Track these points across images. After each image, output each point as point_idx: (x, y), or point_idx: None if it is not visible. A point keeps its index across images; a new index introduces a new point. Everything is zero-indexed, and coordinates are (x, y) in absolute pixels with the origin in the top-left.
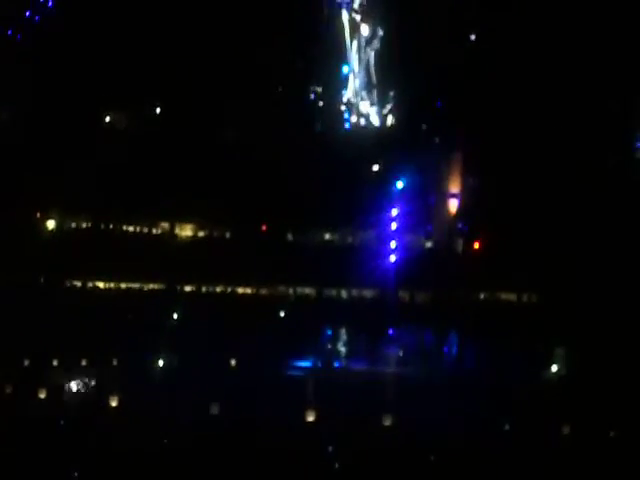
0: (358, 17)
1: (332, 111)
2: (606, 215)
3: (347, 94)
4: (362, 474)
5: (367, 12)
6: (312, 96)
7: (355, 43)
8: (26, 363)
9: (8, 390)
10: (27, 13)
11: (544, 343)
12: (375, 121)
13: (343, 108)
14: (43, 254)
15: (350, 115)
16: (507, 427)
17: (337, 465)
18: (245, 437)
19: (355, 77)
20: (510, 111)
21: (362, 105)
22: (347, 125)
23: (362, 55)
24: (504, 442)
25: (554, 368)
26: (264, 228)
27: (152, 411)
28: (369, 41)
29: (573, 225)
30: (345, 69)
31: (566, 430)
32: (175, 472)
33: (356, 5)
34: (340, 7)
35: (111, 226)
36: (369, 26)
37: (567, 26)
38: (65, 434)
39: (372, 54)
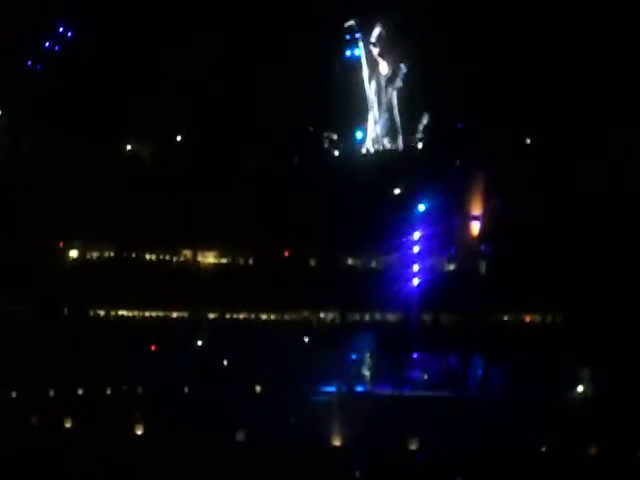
0: (376, 52)
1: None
2: (633, 238)
3: (367, 142)
4: None
5: (385, 47)
6: (330, 145)
7: (374, 85)
8: (51, 393)
9: (33, 421)
10: (47, 44)
11: (569, 364)
12: (397, 145)
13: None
14: (66, 283)
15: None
16: (532, 447)
17: None
18: (271, 463)
19: (376, 123)
20: (531, 133)
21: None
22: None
23: (382, 95)
24: (530, 463)
25: (579, 388)
26: (287, 254)
27: (178, 439)
28: (390, 79)
29: (597, 246)
30: (359, 134)
31: (593, 450)
32: None
33: (373, 39)
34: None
35: (134, 255)
36: (388, 62)
37: (588, 47)
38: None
39: (392, 90)
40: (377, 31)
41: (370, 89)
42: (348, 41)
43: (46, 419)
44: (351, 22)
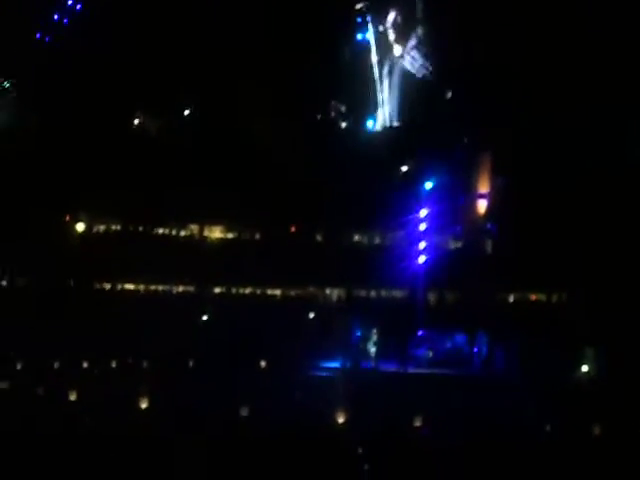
0: (391, 37)
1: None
2: (638, 217)
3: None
4: (392, 475)
5: (399, 31)
6: (340, 122)
7: (384, 67)
8: (56, 365)
9: (40, 392)
10: (55, 16)
11: (573, 343)
12: (405, 122)
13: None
14: (73, 257)
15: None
16: (536, 425)
17: (366, 467)
18: (275, 438)
19: (384, 104)
20: (538, 111)
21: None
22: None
23: (392, 78)
24: (533, 442)
25: (584, 368)
26: (293, 229)
27: (182, 413)
28: (401, 61)
29: (603, 225)
30: (370, 124)
31: (597, 429)
32: (206, 473)
33: (388, 24)
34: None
35: (140, 228)
36: (402, 46)
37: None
38: (96, 435)
39: (400, 69)
40: (392, 16)
41: (378, 71)
42: (359, 23)
43: (51, 391)
44: (361, 4)
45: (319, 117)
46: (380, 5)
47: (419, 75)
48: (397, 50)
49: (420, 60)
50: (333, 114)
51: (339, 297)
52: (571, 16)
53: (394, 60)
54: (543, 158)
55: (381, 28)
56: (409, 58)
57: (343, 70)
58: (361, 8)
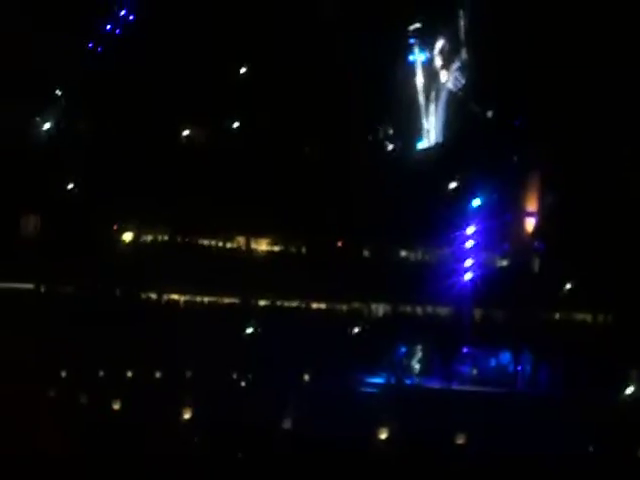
0: (438, 64)
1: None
2: None
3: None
4: None
5: (448, 59)
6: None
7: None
8: (101, 374)
9: (83, 400)
10: (108, 26)
11: (619, 365)
12: (454, 138)
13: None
14: (120, 266)
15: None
16: (580, 447)
17: None
18: (317, 452)
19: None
20: (588, 130)
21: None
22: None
23: (439, 97)
24: (576, 462)
25: (629, 390)
26: (340, 244)
27: (224, 424)
28: (447, 79)
29: None
30: (419, 144)
31: None
32: None
33: (436, 50)
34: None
35: (187, 239)
36: (449, 72)
37: None
38: (140, 444)
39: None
40: (440, 43)
41: (425, 92)
42: (411, 44)
43: (95, 400)
44: (417, 25)
45: (369, 137)
46: (429, 29)
47: (465, 95)
48: (443, 73)
49: (464, 80)
50: (382, 135)
51: (385, 313)
52: (620, 30)
53: (440, 82)
54: (593, 176)
55: (428, 52)
56: (454, 79)
57: (393, 92)
58: (413, 30)
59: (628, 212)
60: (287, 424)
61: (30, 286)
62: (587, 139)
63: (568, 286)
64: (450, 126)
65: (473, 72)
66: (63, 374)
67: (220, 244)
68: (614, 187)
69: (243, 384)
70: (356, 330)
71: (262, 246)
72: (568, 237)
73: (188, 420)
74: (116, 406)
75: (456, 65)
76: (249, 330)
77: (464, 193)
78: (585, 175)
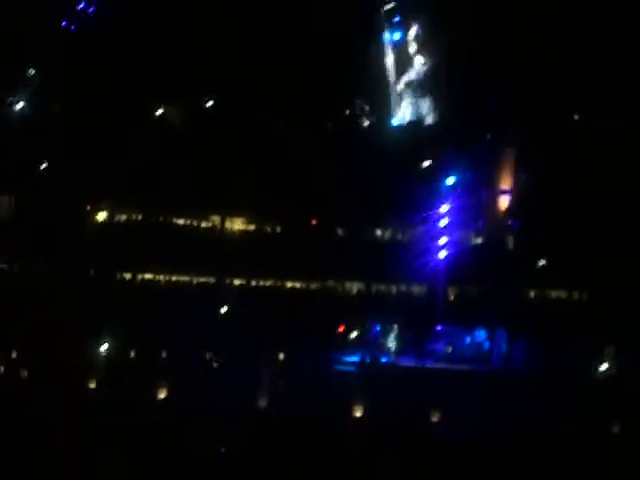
0: (412, 50)
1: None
2: None
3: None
4: (408, 469)
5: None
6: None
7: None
8: (76, 354)
9: (58, 380)
10: (81, 5)
11: (594, 341)
12: (427, 117)
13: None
14: (94, 246)
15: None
16: (555, 423)
17: (383, 460)
18: (292, 431)
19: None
20: (562, 107)
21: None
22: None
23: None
24: (551, 439)
25: (604, 366)
26: (314, 223)
27: (199, 404)
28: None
29: (627, 224)
30: (393, 120)
31: (615, 428)
32: (221, 465)
33: (410, 37)
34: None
35: (161, 219)
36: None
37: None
38: (113, 424)
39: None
40: (416, 21)
41: (397, 72)
42: (387, 21)
43: (70, 380)
44: (392, 4)
45: (344, 113)
46: (404, 7)
47: (440, 72)
48: (418, 51)
49: (439, 58)
50: (357, 111)
51: (359, 291)
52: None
53: (415, 60)
54: (567, 154)
55: (403, 30)
56: (428, 57)
57: (368, 68)
58: (390, 9)
59: (602, 189)
60: (262, 403)
61: (4, 266)
62: (561, 117)
63: (542, 263)
64: (424, 104)
65: (448, 50)
66: (38, 353)
67: (195, 224)
68: (588, 164)
69: (218, 363)
70: (331, 309)
71: (237, 225)
72: (542, 215)
73: (163, 400)
74: (92, 385)
75: (431, 43)
76: (224, 309)
77: (438, 171)
78: (559, 153)
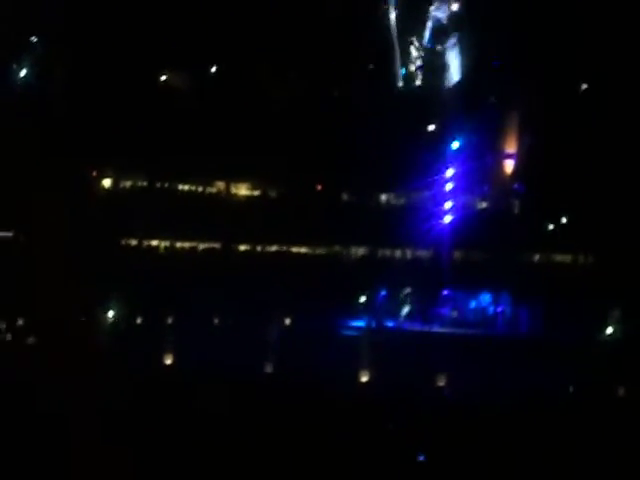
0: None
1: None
2: None
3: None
4: (416, 434)
5: None
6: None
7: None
8: (82, 320)
9: (62, 346)
10: None
11: (599, 305)
12: (431, 81)
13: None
14: (99, 213)
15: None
16: (560, 387)
17: (391, 426)
18: (299, 395)
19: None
20: (568, 70)
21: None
22: (402, 85)
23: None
24: (556, 403)
25: (609, 330)
26: (320, 188)
27: (206, 369)
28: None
29: (632, 185)
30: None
31: (621, 391)
32: (226, 429)
33: None
34: None
35: (166, 185)
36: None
37: None
38: (120, 391)
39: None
40: None
41: (402, 35)
42: None
43: (75, 346)
44: None
45: (349, 76)
46: None
47: (446, 35)
48: (424, 14)
49: (447, 20)
50: (362, 73)
51: (364, 256)
52: None
53: (420, 23)
54: (572, 115)
55: None
56: (434, 20)
57: (374, 28)
58: None
59: (609, 152)
60: (269, 368)
61: (9, 234)
62: (567, 78)
63: (548, 227)
64: (429, 67)
65: (453, 13)
66: (45, 320)
67: (200, 189)
68: (595, 126)
69: (224, 329)
70: (337, 274)
71: (242, 191)
72: (548, 178)
73: (170, 366)
74: (98, 351)
75: (436, 5)
76: (229, 274)
77: (443, 135)
78: (565, 114)
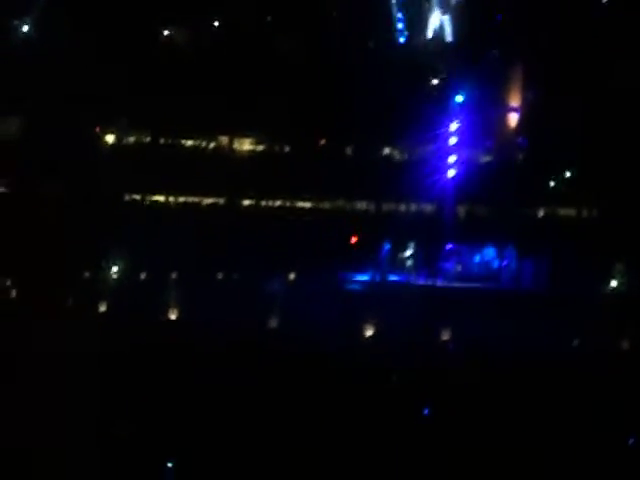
0: None
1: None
2: None
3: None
4: (420, 390)
5: None
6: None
7: None
8: (86, 276)
9: (69, 302)
10: None
11: (603, 258)
12: (435, 34)
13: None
14: (103, 168)
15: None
16: (565, 342)
17: (395, 379)
18: (303, 350)
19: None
20: (573, 22)
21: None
22: (405, 38)
23: None
24: (560, 357)
25: (613, 283)
26: (323, 142)
27: (209, 325)
28: None
29: (636, 139)
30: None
31: (625, 344)
32: (229, 385)
33: None
34: None
35: (170, 140)
36: None
37: None
38: (124, 346)
39: None
40: None
41: None
42: None
43: (80, 303)
44: None
45: (352, 29)
46: None
47: None
48: None
49: None
50: (365, 27)
51: (368, 210)
52: None
53: None
54: (576, 68)
55: None
56: None
57: None
58: None
59: (613, 105)
60: (273, 323)
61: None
62: (570, 30)
63: (552, 181)
64: (432, 21)
65: None
66: (47, 277)
67: (203, 144)
68: (599, 79)
69: (228, 284)
70: (341, 228)
71: (245, 146)
72: (552, 132)
73: (173, 321)
74: (102, 308)
75: None
76: (233, 230)
77: (446, 89)
78: (568, 68)
